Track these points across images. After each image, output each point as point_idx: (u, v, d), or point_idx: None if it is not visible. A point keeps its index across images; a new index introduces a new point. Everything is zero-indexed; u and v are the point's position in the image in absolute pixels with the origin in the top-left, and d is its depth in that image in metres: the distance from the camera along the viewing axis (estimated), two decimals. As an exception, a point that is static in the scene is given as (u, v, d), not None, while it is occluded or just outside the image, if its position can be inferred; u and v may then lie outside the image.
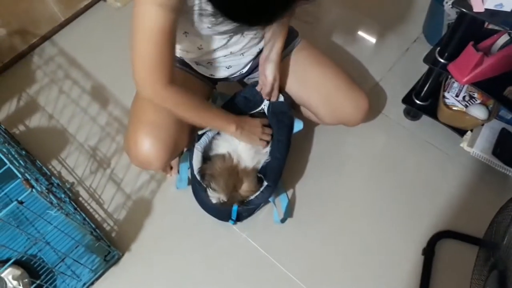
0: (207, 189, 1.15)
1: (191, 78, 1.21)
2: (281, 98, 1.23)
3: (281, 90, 1.23)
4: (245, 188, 1.14)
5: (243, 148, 1.16)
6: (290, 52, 1.22)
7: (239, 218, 1.28)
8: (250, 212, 1.29)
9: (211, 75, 1.22)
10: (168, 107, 0.99)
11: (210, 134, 1.19)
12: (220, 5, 0.69)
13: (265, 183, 1.15)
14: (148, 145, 1.07)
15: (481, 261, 1.00)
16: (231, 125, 1.09)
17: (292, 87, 1.23)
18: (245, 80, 1.30)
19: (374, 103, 1.53)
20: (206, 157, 1.20)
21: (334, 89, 1.19)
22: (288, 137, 1.21)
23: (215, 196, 1.14)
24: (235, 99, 1.23)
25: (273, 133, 1.20)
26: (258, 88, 1.21)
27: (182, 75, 1.18)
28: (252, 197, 1.16)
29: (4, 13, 1.56)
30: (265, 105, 1.22)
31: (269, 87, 1.18)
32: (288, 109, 1.22)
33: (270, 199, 1.20)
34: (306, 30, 1.70)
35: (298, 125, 1.25)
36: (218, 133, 1.20)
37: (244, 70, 1.23)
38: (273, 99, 1.22)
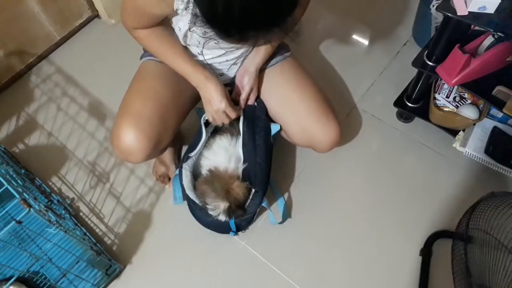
0: (207, 208, 1.16)
1: (182, 78, 1.20)
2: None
3: (256, 98, 1.24)
4: (235, 185, 1.14)
5: (218, 155, 1.18)
6: (272, 65, 1.22)
7: (239, 228, 1.29)
8: (249, 221, 1.30)
9: None
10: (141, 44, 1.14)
11: (196, 154, 1.22)
12: (201, 6, 0.73)
13: (253, 190, 1.16)
14: (131, 135, 1.09)
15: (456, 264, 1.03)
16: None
17: (267, 100, 1.24)
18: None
19: (367, 107, 1.56)
20: (196, 175, 1.22)
21: (307, 112, 1.18)
22: (266, 141, 1.21)
23: (217, 210, 1.14)
24: None
25: (249, 138, 1.19)
26: (232, 96, 1.21)
27: (176, 75, 1.17)
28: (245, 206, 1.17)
29: (0, 35, 1.59)
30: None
31: (245, 97, 1.19)
32: (262, 113, 1.22)
33: (264, 205, 1.21)
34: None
35: (275, 128, 1.25)
36: (204, 150, 1.22)
37: (233, 78, 1.25)
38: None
